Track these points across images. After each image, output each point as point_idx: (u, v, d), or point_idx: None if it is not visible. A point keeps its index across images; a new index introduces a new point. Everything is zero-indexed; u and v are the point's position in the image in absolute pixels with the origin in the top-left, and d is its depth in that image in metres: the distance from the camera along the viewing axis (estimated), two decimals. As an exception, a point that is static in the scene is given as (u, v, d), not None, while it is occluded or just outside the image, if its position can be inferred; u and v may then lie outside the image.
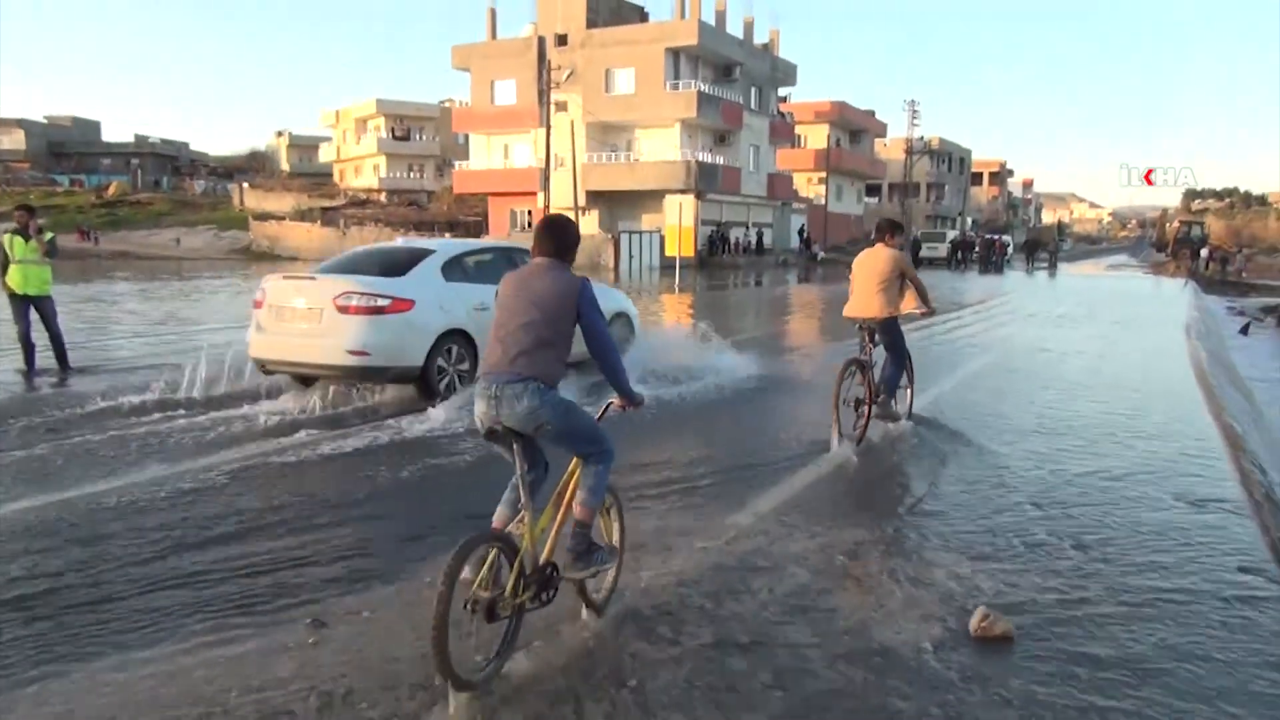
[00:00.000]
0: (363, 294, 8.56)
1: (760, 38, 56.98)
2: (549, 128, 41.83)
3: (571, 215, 48.58)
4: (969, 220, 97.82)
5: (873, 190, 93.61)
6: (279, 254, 56.99)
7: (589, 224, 50.39)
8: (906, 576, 5.32)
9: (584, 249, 46.66)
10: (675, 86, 49.11)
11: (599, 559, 4.26)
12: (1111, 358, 14.43)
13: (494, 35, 53.79)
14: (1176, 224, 78.21)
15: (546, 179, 41.88)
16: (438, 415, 8.24)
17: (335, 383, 8.59)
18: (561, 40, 50.50)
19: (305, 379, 8.96)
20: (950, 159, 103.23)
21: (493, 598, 3.87)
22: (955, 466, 7.48)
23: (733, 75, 53.51)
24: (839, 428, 7.62)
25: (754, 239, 55.76)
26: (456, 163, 58.84)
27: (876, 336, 8.13)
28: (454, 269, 9.32)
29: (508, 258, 9.91)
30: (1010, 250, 62.30)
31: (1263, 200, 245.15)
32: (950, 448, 8.00)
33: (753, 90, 55.97)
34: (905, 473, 7.27)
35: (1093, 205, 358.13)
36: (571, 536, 4.21)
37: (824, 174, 65.92)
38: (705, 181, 49.43)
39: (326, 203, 68.21)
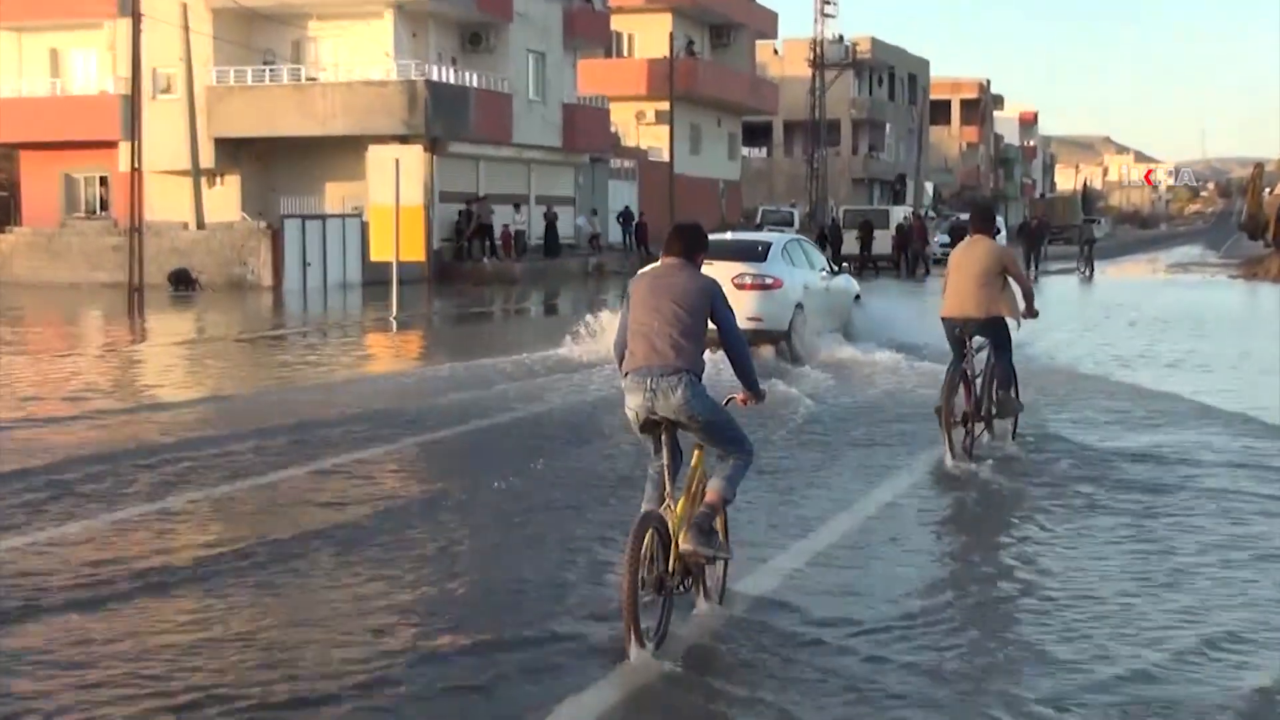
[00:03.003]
0: (755, 275, 21.62)
1: None
2: (138, 17, 40.89)
3: (188, 184, 47.61)
4: (928, 189, 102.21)
5: (757, 134, 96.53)
6: None
7: (222, 202, 49.49)
8: None
9: (215, 250, 45.77)
10: (382, -58, 49.64)
11: (717, 545, 7.89)
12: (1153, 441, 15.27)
13: None
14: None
15: (135, 117, 40.73)
16: (814, 374, 20.22)
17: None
18: None
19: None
20: (892, 78, 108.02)
21: (659, 574, 7.60)
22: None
23: (491, -78, 54.30)
24: (951, 444, 13.11)
25: (541, 225, 56.11)
26: (-45, 85, 56.77)
27: (975, 341, 13.44)
28: (785, 255, 22.85)
29: (800, 246, 24.42)
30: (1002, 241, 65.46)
31: None
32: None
33: (530, -50, 56.94)
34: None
35: (1141, 158, 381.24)
36: (698, 514, 7.83)
37: (666, 104, 67.39)
38: (445, 120, 49.76)
39: None
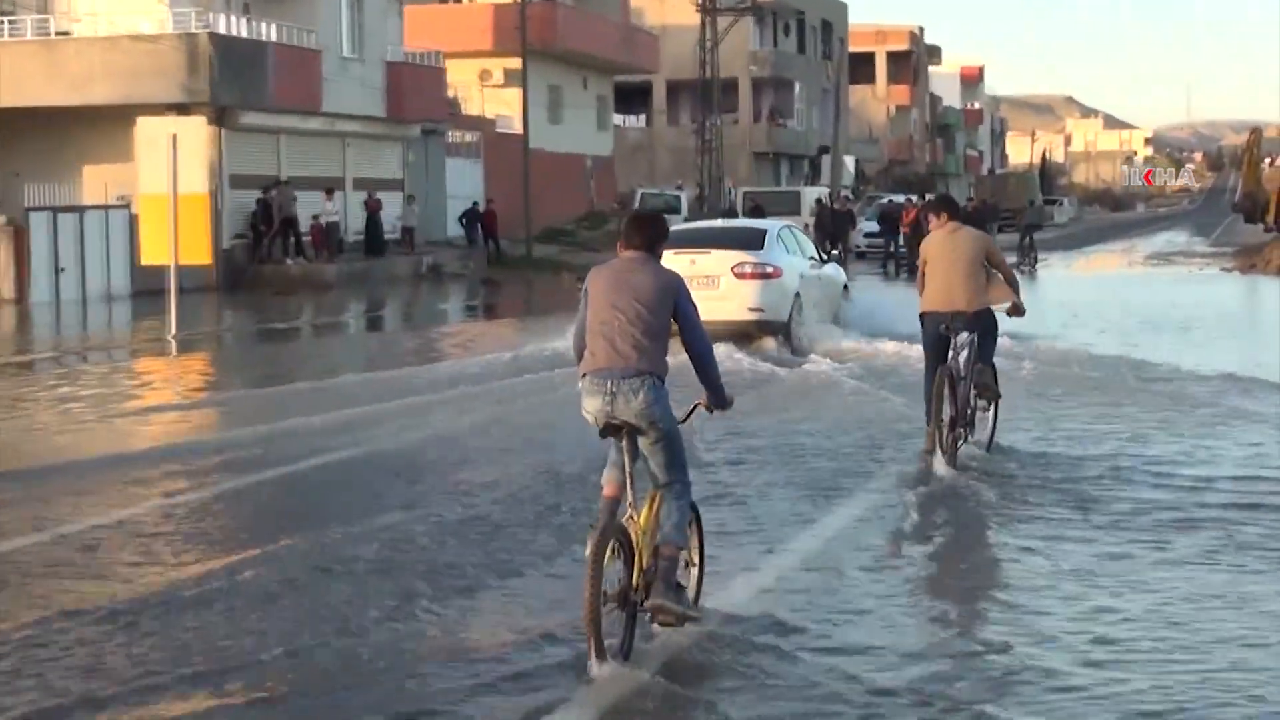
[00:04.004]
0: (755, 263, 25.94)
1: None
2: None
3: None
4: (849, 164, 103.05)
5: (633, 98, 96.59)
6: None
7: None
8: None
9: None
10: None
11: (684, 603, 9.28)
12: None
13: None
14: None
15: None
16: (822, 364, 24.36)
17: (727, 337, 22.67)
18: None
19: None
20: (802, 26, 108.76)
21: (622, 588, 8.91)
22: None
23: None
24: (943, 448, 15.18)
25: (361, 216, 55.88)
26: None
27: (961, 338, 15.49)
28: (780, 242, 27.43)
29: (791, 234, 28.89)
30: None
31: None
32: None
33: None
34: None
35: (1112, 122, 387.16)
36: (662, 568, 9.13)
37: (517, 61, 67.39)
38: (236, 84, 49.49)
39: None
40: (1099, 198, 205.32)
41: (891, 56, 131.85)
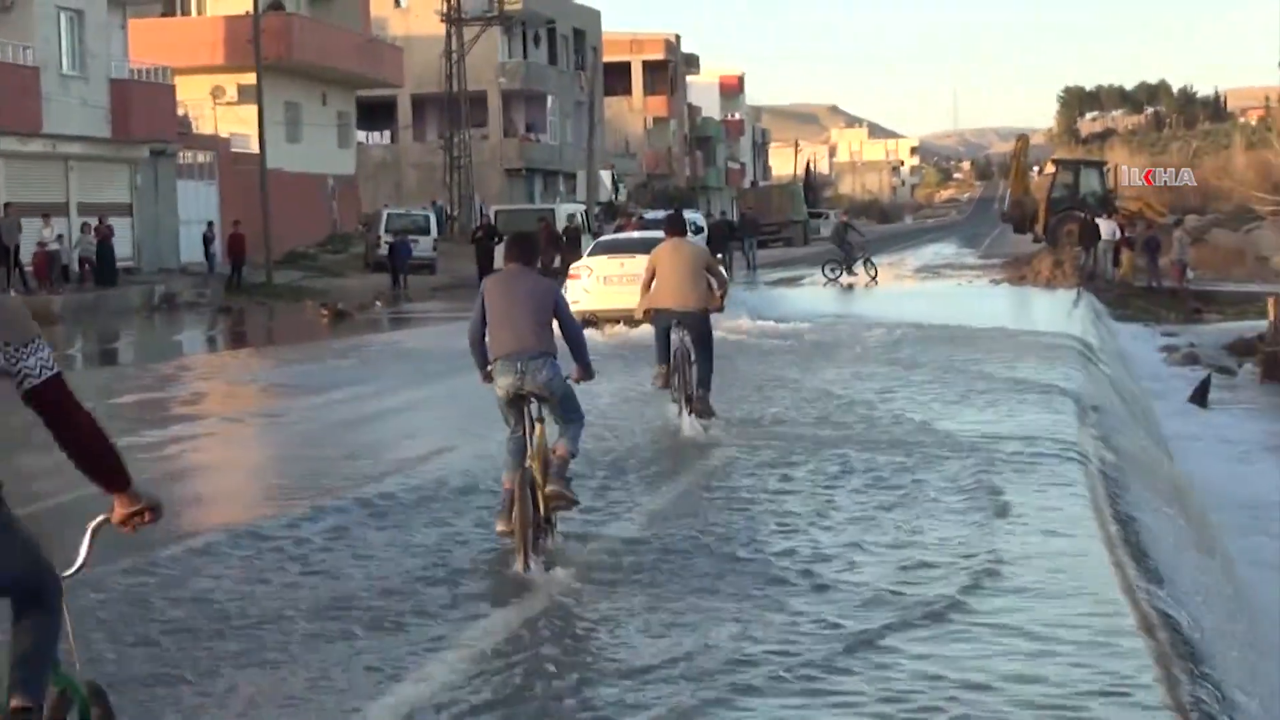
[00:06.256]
0: None
1: None
2: None
3: None
4: (605, 179, 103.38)
5: (377, 114, 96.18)
6: None
7: None
8: None
9: None
10: None
11: (571, 489, 13.27)
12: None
13: None
14: (1050, 170, 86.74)
15: None
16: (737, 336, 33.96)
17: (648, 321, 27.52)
18: None
19: (617, 321, 35.43)
20: (553, 35, 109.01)
21: (534, 519, 12.84)
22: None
23: None
24: (685, 410, 19.85)
25: (91, 244, 55.20)
26: None
27: (682, 332, 19.62)
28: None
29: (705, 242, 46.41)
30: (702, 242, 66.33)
31: (1217, 107, 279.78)
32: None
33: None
34: None
35: (878, 131, 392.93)
36: (556, 466, 13.11)
37: (251, 76, 66.95)
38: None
39: None
40: (866, 209, 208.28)
41: (648, 66, 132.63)
